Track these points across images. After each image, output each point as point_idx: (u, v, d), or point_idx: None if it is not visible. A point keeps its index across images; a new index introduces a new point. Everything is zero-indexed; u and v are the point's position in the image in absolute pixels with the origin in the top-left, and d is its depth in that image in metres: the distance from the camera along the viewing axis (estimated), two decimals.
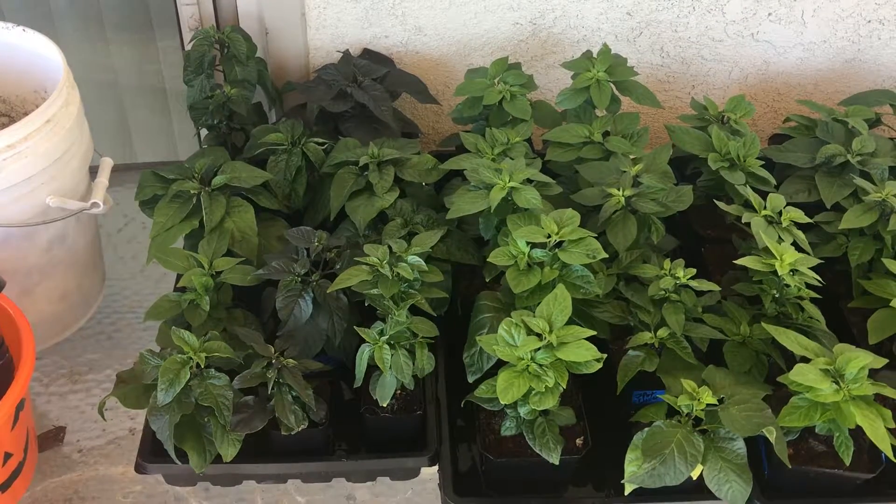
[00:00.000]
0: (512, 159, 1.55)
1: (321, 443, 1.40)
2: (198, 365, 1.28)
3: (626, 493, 1.26)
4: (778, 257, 1.39)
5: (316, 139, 1.68)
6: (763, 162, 1.67)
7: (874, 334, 1.46)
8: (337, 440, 1.44)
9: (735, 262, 1.41)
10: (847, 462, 1.29)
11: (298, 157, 1.66)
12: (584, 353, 1.23)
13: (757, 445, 1.40)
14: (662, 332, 1.39)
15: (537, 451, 1.29)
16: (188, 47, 1.81)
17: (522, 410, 1.30)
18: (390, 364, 1.29)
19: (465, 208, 1.46)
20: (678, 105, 2.12)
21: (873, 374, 1.34)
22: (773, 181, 1.65)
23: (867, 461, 1.36)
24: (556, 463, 1.29)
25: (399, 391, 1.41)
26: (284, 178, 1.65)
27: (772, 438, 1.21)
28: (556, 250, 1.36)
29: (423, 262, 1.36)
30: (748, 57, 2.04)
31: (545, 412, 1.33)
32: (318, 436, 1.38)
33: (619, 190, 1.49)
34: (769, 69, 2.06)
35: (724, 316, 1.46)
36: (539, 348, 1.25)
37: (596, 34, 1.98)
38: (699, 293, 1.45)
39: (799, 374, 1.25)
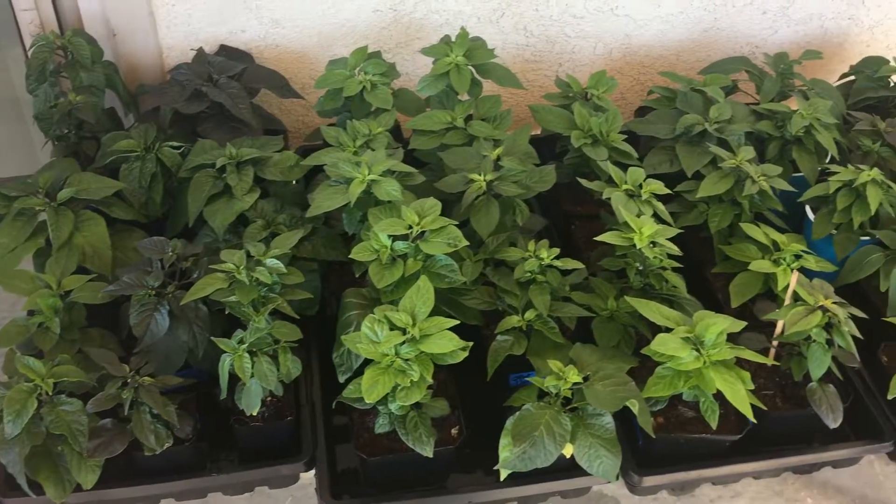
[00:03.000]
0: (374, 150, 1.53)
1: (192, 459, 1.35)
2: (47, 392, 1.21)
3: (502, 478, 1.26)
4: (637, 230, 1.41)
5: (171, 143, 1.62)
6: (626, 136, 1.69)
7: (736, 298, 1.50)
8: (211, 453, 1.40)
9: (595, 238, 1.42)
10: (714, 426, 1.32)
11: (153, 163, 1.59)
12: (447, 344, 1.22)
13: (631, 417, 1.42)
14: (530, 314, 1.39)
15: (411, 446, 1.28)
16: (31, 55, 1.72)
17: (393, 406, 1.28)
18: (252, 373, 1.25)
19: (325, 205, 1.43)
20: (548, 84, 2.13)
21: (736, 336, 1.38)
22: (636, 155, 1.67)
23: (735, 423, 1.40)
24: (430, 455, 1.28)
25: (269, 398, 1.38)
26: (139, 186, 1.58)
27: (635, 410, 1.23)
28: (419, 241, 1.35)
29: (282, 265, 1.32)
30: (610, 32, 2.06)
31: (417, 405, 1.31)
32: (186, 452, 1.33)
33: (480, 175, 1.48)
34: (632, 42, 2.09)
35: (591, 292, 1.48)
36: (403, 342, 1.23)
37: (458, 17, 1.97)
38: (566, 272, 1.45)
39: (660, 345, 1.27)
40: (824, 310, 1.33)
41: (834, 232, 1.62)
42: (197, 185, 1.53)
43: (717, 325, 1.28)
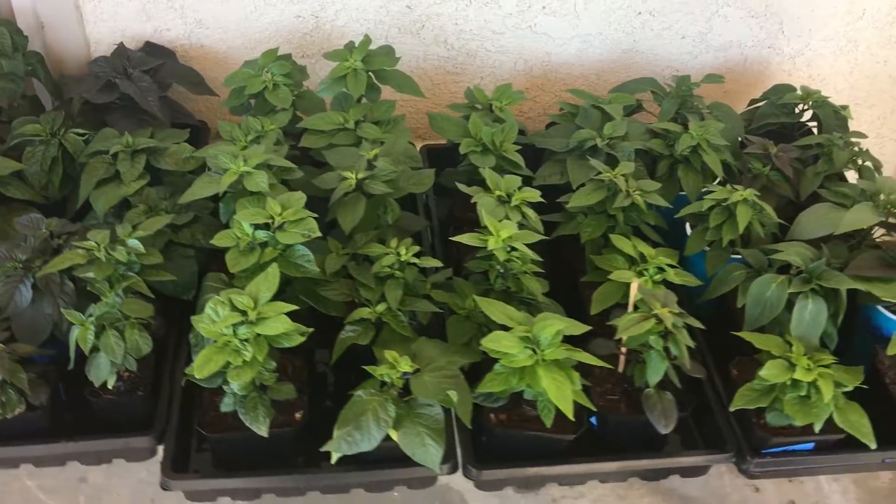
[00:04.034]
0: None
1: (48, 426, 1.41)
2: None
3: (333, 461, 1.31)
4: (494, 233, 1.46)
5: (77, 130, 1.70)
6: (519, 147, 1.75)
7: (596, 305, 1.54)
8: (69, 423, 1.46)
9: (450, 238, 1.48)
10: (548, 424, 1.36)
11: (55, 147, 1.67)
12: (280, 327, 1.28)
13: (476, 412, 1.46)
14: (380, 308, 1.44)
15: (248, 425, 1.33)
16: None
17: (234, 386, 1.34)
18: (93, 345, 1.32)
19: (198, 193, 1.50)
20: None
21: (585, 340, 1.42)
22: (523, 164, 1.72)
23: (573, 423, 1.43)
24: (265, 435, 1.33)
25: (126, 373, 1.44)
26: (41, 169, 1.66)
27: (454, 401, 1.27)
28: (277, 231, 1.41)
29: (141, 246, 1.38)
30: (530, 49, 2.12)
31: (263, 388, 1.37)
32: (42, 419, 1.39)
33: (352, 173, 1.54)
34: (552, 60, 2.15)
35: (453, 292, 1.53)
36: (240, 323, 1.28)
37: (379, 27, 2.04)
38: (431, 270, 1.51)
39: (492, 341, 1.31)
40: (658, 318, 1.36)
41: (707, 248, 1.66)
42: (90, 169, 1.61)
43: (553, 326, 1.32)
